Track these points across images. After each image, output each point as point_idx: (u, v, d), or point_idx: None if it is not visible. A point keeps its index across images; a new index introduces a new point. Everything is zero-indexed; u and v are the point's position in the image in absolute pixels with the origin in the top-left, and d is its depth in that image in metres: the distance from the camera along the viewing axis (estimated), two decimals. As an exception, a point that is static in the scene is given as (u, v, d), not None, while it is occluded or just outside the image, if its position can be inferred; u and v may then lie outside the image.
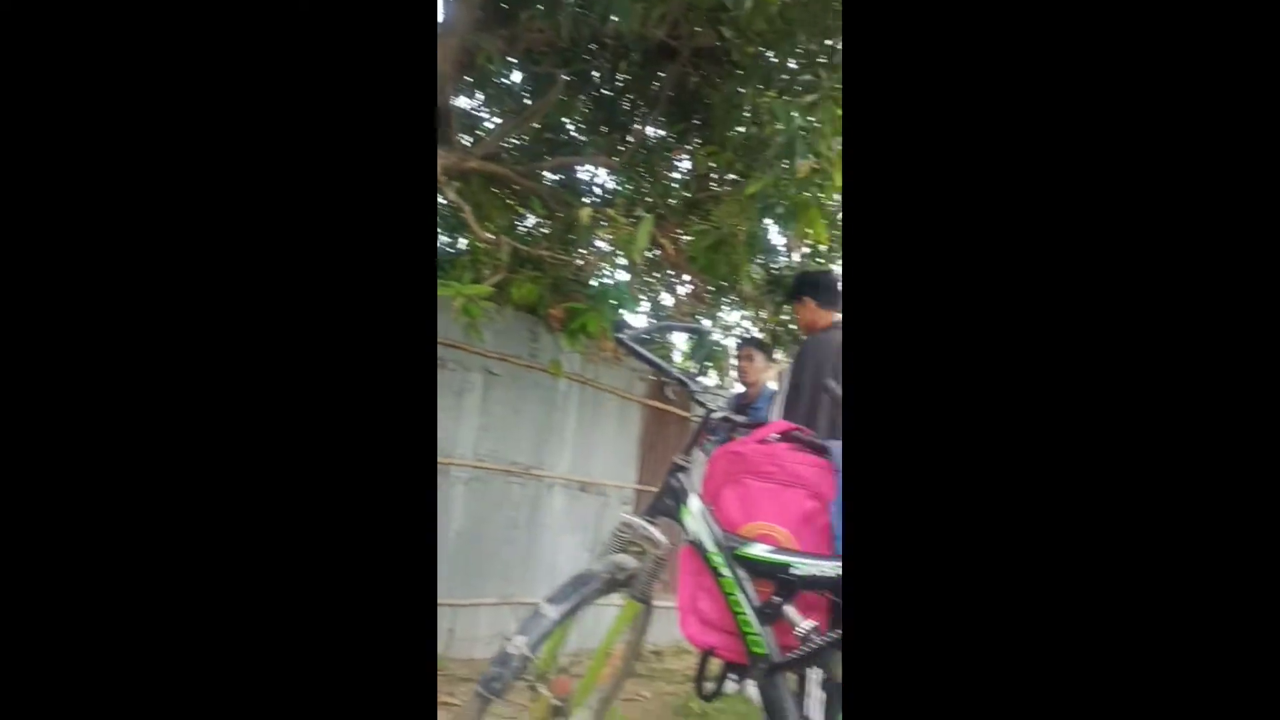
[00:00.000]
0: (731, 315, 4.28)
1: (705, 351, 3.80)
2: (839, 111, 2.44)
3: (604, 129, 3.47)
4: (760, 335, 3.72)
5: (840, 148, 2.35)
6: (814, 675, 1.24)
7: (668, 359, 4.19)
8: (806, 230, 2.71)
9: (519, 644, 1.14)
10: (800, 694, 1.36)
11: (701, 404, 1.43)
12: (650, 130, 3.44)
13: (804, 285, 2.44)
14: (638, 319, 3.47)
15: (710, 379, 4.23)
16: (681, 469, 1.40)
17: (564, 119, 3.50)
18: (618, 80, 3.41)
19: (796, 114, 2.35)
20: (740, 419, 1.48)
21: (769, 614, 1.25)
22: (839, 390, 1.59)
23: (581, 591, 1.28)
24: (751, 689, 1.26)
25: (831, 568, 1.22)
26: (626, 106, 3.47)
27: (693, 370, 4.06)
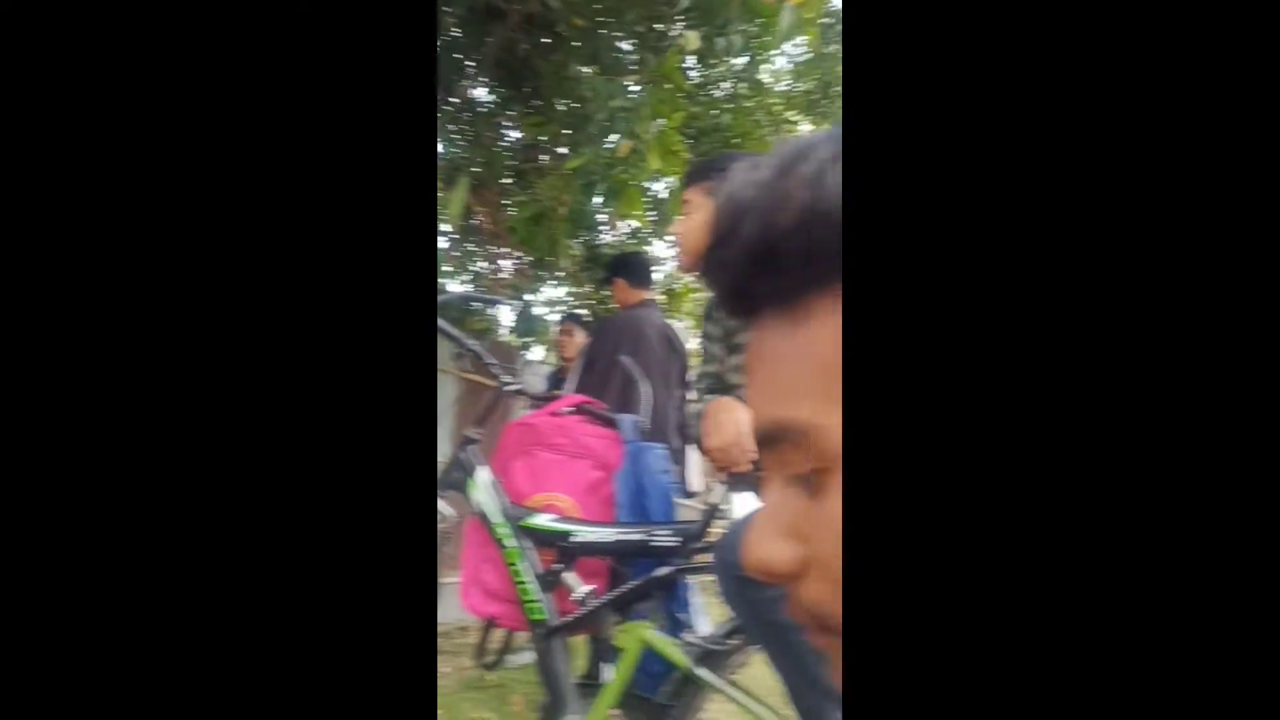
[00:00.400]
0: (556, 290, 4.28)
1: (527, 325, 3.78)
2: (658, 96, 2.50)
3: (427, 86, 3.28)
4: (582, 312, 3.76)
5: (657, 130, 2.41)
6: (590, 635, 1.29)
7: (492, 331, 4.10)
8: (626, 210, 2.76)
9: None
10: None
11: (495, 376, 1.42)
12: (478, 93, 3.31)
13: (617, 266, 2.51)
14: (456, 287, 3.37)
15: (535, 354, 4.21)
16: (471, 442, 1.38)
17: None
18: (445, 37, 3.25)
19: (616, 94, 2.38)
20: (534, 392, 1.49)
21: (550, 581, 1.27)
22: (633, 366, 1.65)
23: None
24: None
25: (611, 534, 1.26)
26: (453, 66, 3.32)
27: (516, 344, 4.02)
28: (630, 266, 2.46)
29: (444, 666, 2.55)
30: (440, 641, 2.81)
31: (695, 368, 1.36)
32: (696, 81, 3.60)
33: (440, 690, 2.26)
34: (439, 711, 2.03)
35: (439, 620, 1.80)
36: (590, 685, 1.27)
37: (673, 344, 2.33)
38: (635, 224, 3.87)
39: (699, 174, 1.26)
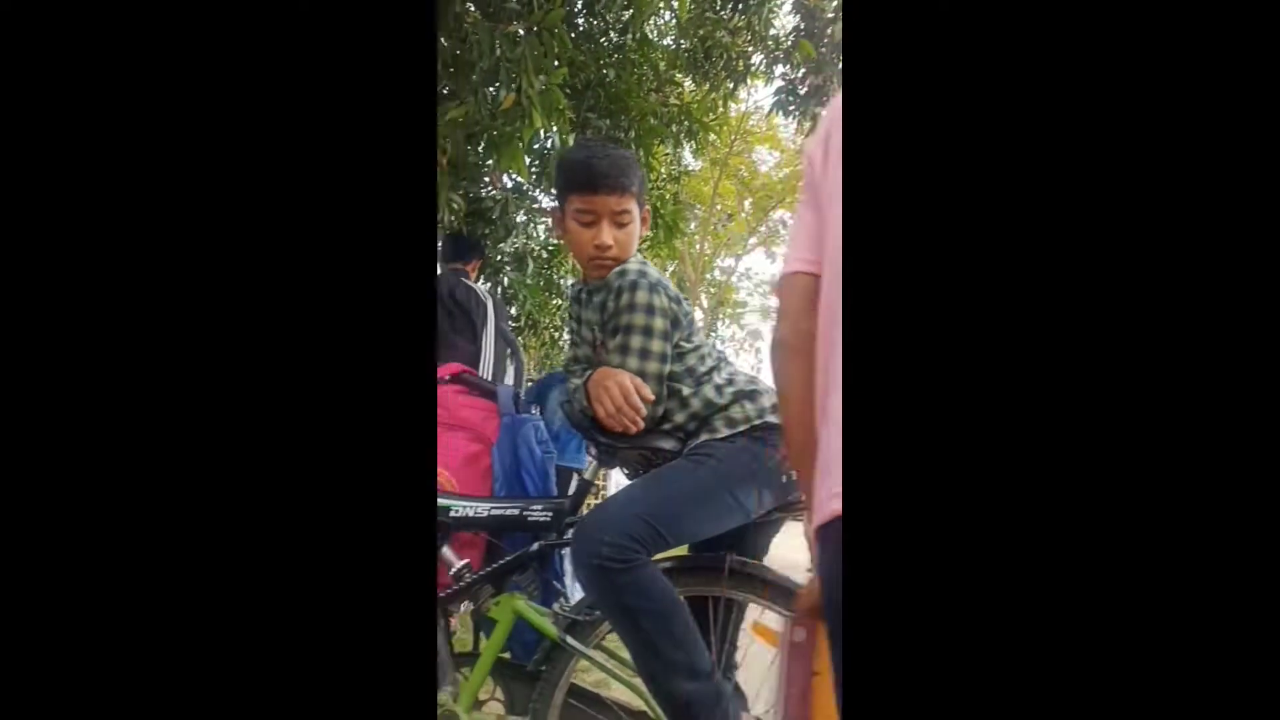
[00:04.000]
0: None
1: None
2: (542, 48, 2.42)
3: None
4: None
5: (542, 86, 2.34)
6: (465, 607, 1.30)
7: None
8: (508, 165, 2.68)
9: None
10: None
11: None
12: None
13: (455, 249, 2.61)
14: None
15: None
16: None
17: None
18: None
19: (500, 41, 2.27)
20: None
21: (424, 556, 1.27)
22: (511, 337, 1.64)
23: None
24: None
25: (487, 508, 1.27)
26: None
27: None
28: (463, 247, 2.59)
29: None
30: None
31: (565, 350, 1.36)
32: (582, 30, 3.50)
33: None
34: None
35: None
36: (475, 657, 1.29)
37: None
38: (518, 178, 3.76)
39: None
